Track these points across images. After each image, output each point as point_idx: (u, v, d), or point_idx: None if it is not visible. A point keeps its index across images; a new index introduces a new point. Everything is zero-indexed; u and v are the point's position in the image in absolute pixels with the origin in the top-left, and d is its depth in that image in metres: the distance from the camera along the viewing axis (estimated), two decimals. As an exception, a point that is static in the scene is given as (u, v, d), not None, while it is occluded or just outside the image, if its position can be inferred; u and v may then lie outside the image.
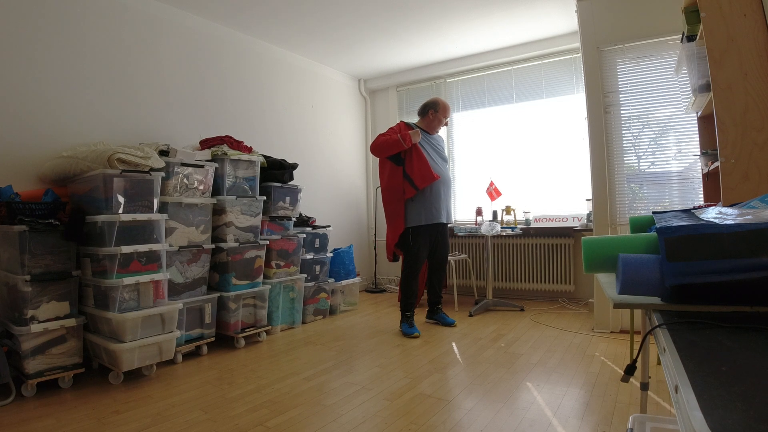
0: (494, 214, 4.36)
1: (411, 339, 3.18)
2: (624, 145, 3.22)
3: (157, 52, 3.37)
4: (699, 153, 2.36)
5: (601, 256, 0.84)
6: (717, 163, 1.79)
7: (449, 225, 3.61)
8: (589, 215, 3.87)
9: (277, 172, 3.52)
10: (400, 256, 3.51)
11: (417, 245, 3.34)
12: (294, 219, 3.68)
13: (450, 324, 3.48)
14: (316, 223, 4.10)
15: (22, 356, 2.20)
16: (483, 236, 4.36)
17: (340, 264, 4.14)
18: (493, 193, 4.25)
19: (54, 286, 2.34)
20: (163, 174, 2.66)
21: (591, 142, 3.27)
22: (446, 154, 3.58)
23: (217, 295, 3.01)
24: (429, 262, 3.55)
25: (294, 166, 3.71)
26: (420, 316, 3.78)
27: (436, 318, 3.61)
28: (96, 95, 3.00)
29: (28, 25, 2.69)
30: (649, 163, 3.20)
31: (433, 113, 3.49)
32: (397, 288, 4.93)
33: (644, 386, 1.64)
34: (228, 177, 3.10)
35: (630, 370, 1.02)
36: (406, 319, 3.36)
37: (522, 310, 3.96)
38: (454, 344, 3.00)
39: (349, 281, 4.17)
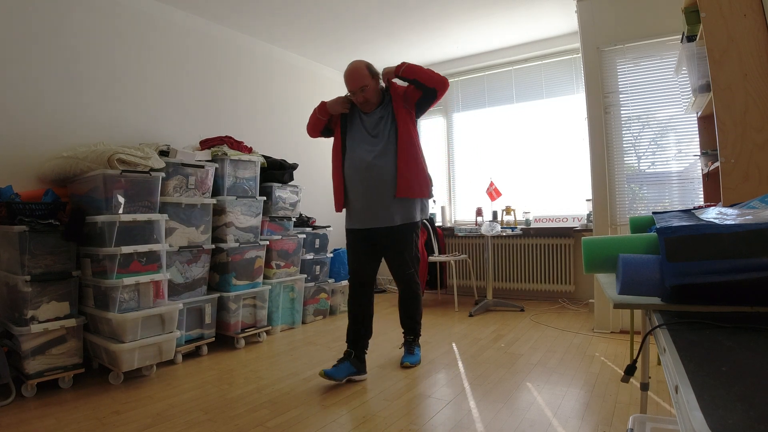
0: (494, 214, 4.37)
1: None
2: (624, 145, 3.22)
3: (157, 53, 3.37)
4: (699, 153, 2.36)
5: (601, 256, 0.84)
6: (717, 164, 1.79)
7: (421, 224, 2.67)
8: (589, 215, 3.86)
9: (277, 173, 3.52)
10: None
11: (349, 252, 2.59)
12: (294, 219, 3.68)
13: (404, 364, 2.55)
14: (316, 224, 4.10)
15: (22, 356, 2.20)
16: (483, 236, 4.36)
17: (340, 264, 4.14)
18: (493, 193, 4.25)
19: (54, 287, 2.34)
20: (163, 174, 2.66)
21: (591, 142, 3.27)
22: (388, 128, 2.46)
23: (217, 295, 3.01)
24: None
25: (294, 166, 3.71)
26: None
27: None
28: (96, 95, 3.00)
29: (28, 25, 2.69)
30: (650, 164, 3.20)
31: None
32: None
33: (644, 386, 1.64)
34: (228, 177, 3.10)
35: (630, 371, 1.02)
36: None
37: (522, 310, 3.96)
38: (454, 344, 3.00)
39: (349, 281, 4.16)
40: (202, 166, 2.94)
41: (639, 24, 3.13)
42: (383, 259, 2.61)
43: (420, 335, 2.73)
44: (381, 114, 2.49)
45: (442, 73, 5.11)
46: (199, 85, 3.66)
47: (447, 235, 4.79)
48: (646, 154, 3.21)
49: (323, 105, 2.62)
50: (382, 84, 2.56)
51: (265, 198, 3.35)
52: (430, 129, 5.29)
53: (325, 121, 2.64)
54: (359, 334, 2.50)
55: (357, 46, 4.40)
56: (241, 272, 3.13)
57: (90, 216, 2.43)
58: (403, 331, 2.71)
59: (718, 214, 0.84)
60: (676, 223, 0.77)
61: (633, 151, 3.23)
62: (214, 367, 2.68)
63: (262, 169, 3.41)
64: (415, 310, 2.64)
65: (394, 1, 3.50)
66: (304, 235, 3.71)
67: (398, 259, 2.51)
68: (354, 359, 2.42)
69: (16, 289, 2.30)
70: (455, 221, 5.03)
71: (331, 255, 4.08)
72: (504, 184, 4.47)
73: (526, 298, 4.43)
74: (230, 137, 3.36)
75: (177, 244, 2.80)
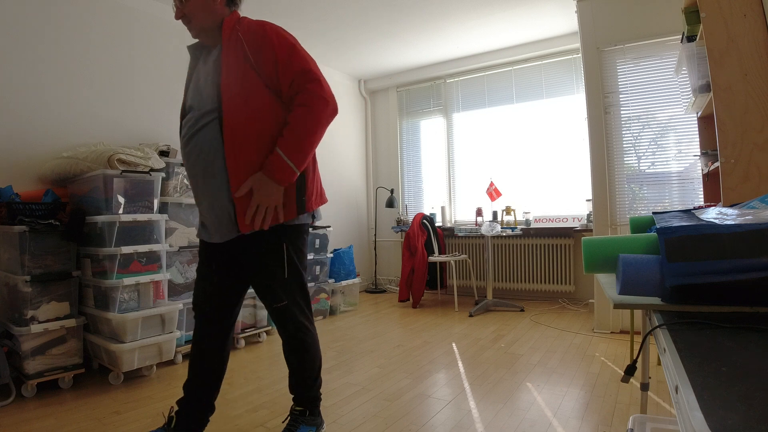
0: (494, 214, 4.37)
1: (412, 339, 3.17)
2: (624, 146, 3.22)
3: (157, 53, 3.37)
4: (699, 153, 2.36)
5: (601, 256, 0.84)
6: (717, 164, 1.79)
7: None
8: (589, 215, 3.87)
9: (277, 173, 3.52)
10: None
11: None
12: (294, 219, 3.68)
13: None
14: (316, 224, 4.10)
15: (22, 357, 2.20)
16: (483, 236, 4.36)
17: (340, 264, 4.14)
18: (493, 193, 4.26)
19: (54, 287, 2.34)
20: (163, 174, 2.66)
21: (591, 142, 3.27)
22: (217, 84, 1.48)
23: (217, 295, 3.01)
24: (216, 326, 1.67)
25: (294, 166, 3.70)
26: (421, 318, 3.75)
27: None
28: (96, 95, 3.00)
29: (28, 25, 2.69)
30: (650, 164, 3.20)
31: None
32: (397, 288, 4.94)
33: (644, 386, 1.64)
34: (228, 177, 3.10)
35: (630, 371, 1.02)
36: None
37: (522, 310, 3.96)
38: (454, 345, 3.00)
39: (349, 281, 4.17)
40: (202, 166, 2.93)
41: (639, 24, 3.13)
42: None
43: (316, 406, 1.71)
44: (218, 57, 1.51)
45: (441, 72, 5.13)
46: (199, 85, 3.65)
47: (447, 235, 4.79)
48: (646, 154, 3.21)
49: None
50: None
51: (265, 198, 3.35)
52: (429, 129, 5.29)
53: None
54: (195, 388, 1.64)
55: (356, 46, 4.40)
56: (241, 272, 3.12)
57: (90, 216, 2.43)
58: (292, 396, 1.72)
59: (718, 214, 0.84)
60: (676, 223, 0.77)
61: (633, 151, 3.23)
62: (214, 367, 2.68)
63: (262, 169, 3.40)
64: (303, 368, 1.67)
65: (394, 1, 3.50)
66: (304, 235, 3.70)
67: (262, 288, 1.59)
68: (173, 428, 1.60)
69: (16, 289, 2.30)
70: (455, 221, 5.03)
71: (331, 255, 4.08)
72: (504, 184, 4.47)
73: (526, 298, 4.43)
74: (230, 137, 3.35)
75: (177, 244, 2.79)
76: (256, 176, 1.44)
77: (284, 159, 1.42)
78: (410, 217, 5.03)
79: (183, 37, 3.54)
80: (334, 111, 1.50)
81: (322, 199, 1.68)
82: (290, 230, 1.57)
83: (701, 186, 2.45)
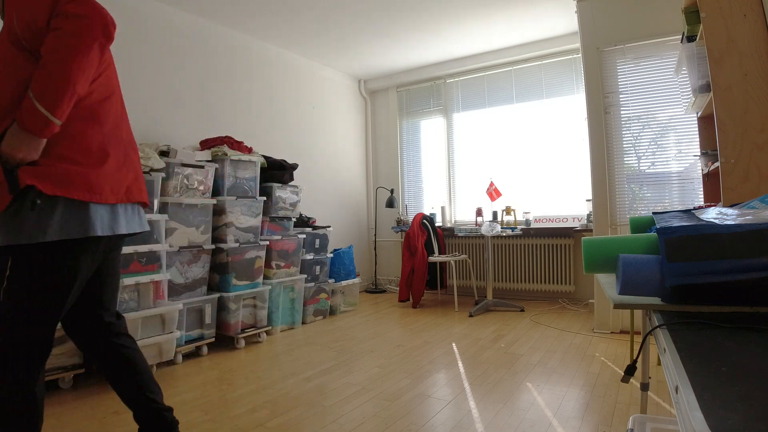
0: (494, 214, 4.37)
1: (412, 339, 3.17)
2: (624, 146, 3.22)
3: (157, 53, 3.37)
4: (699, 153, 2.36)
5: (601, 256, 0.84)
6: (717, 164, 1.79)
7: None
8: (589, 215, 3.87)
9: (277, 173, 3.53)
10: None
11: None
12: (294, 219, 3.68)
13: None
14: (317, 224, 4.10)
15: (22, 357, 2.20)
16: (483, 236, 4.36)
17: (340, 264, 4.14)
18: (493, 193, 4.26)
19: (54, 287, 2.34)
20: (163, 174, 2.66)
21: (591, 142, 3.27)
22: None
23: (217, 295, 3.01)
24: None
25: (294, 166, 3.71)
26: (421, 318, 3.76)
27: None
28: (96, 96, 3.00)
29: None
30: (650, 164, 3.20)
31: None
32: (397, 288, 4.94)
33: (644, 387, 1.64)
34: (228, 177, 3.10)
35: (630, 371, 1.02)
36: None
37: (522, 310, 3.96)
38: (454, 345, 3.00)
39: (349, 281, 4.17)
40: (202, 166, 2.94)
41: (639, 24, 3.13)
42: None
43: None
44: None
45: (441, 72, 5.13)
46: (199, 85, 3.66)
47: (447, 235, 4.79)
48: (646, 154, 3.21)
49: None
50: None
51: (265, 198, 3.36)
52: (429, 129, 5.29)
53: None
54: (139, 416, 1.46)
55: (358, 47, 4.40)
56: (241, 272, 3.13)
57: (90, 216, 2.43)
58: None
59: (718, 214, 0.84)
60: (676, 223, 0.78)
61: (633, 151, 3.23)
62: (214, 367, 2.68)
63: (262, 169, 3.41)
64: None
65: (395, 2, 3.50)
66: (304, 236, 3.71)
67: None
68: None
69: (16, 290, 2.30)
70: (455, 221, 5.03)
71: (331, 255, 4.08)
72: (504, 184, 4.48)
73: (526, 298, 4.43)
74: (230, 137, 3.36)
75: (177, 244, 2.80)
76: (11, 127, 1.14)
77: (34, 104, 1.10)
78: (410, 217, 5.03)
79: (183, 38, 3.54)
80: (96, 25, 1.14)
81: (116, 196, 1.31)
82: (11, 251, 1.16)
83: (701, 186, 2.45)
